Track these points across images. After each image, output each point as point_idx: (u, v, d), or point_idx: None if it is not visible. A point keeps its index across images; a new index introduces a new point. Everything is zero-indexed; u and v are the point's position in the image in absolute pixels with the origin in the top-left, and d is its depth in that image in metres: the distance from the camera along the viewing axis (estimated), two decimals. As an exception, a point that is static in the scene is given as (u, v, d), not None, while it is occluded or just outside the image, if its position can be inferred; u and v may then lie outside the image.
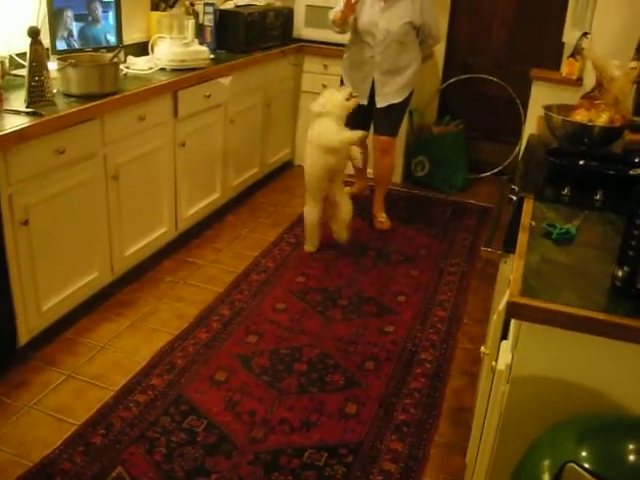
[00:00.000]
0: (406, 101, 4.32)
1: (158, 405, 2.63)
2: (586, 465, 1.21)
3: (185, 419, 2.56)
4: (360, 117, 4.12)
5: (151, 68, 3.57)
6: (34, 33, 2.72)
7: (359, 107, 4.01)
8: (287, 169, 5.36)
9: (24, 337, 2.79)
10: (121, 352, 2.96)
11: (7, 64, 3.16)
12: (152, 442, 2.44)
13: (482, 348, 2.02)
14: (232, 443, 2.46)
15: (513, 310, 1.46)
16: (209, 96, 3.84)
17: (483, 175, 5.43)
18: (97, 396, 2.67)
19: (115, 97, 3.05)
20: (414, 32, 4.14)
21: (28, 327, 2.80)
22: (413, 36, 4.15)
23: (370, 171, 4.68)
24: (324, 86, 5.10)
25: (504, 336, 1.77)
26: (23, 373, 2.79)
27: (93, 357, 2.92)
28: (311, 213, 3.95)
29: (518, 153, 5.03)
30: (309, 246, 4.01)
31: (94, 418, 2.55)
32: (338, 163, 3.84)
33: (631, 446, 1.24)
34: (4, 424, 2.51)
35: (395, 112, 4.32)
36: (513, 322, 1.59)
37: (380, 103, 4.24)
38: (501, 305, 1.84)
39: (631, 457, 1.23)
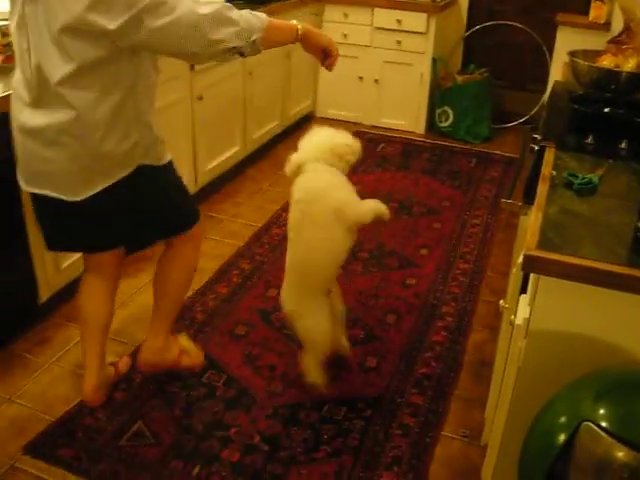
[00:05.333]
0: None
1: (178, 360, 2.64)
2: (603, 424, 1.18)
3: (204, 373, 2.57)
4: None
5: (166, 19, 3.49)
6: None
7: None
8: (309, 121, 5.28)
9: (45, 294, 2.80)
10: (141, 307, 2.97)
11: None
12: (172, 397, 2.45)
13: (501, 302, 1.98)
14: (251, 397, 2.46)
15: (530, 264, 1.41)
16: (226, 47, 3.76)
17: (509, 125, 5.32)
18: (118, 351, 2.69)
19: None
20: None
21: (48, 283, 2.80)
22: None
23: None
24: (345, 36, 5.02)
25: (524, 289, 1.73)
26: (44, 330, 2.81)
27: (114, 313, 2.92)
28: (320, 323, 2.38)
29: (544, 102, 4.91)
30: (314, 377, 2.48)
31: (115, 373, 2.57)
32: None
33: (650, 404, 1.20)
34: (26, 380, 2.54)
35: None
36: (531, 276, 1.54)
37: None
38: (520, 258, 1.79)
39: (650, 415, 1.20)
